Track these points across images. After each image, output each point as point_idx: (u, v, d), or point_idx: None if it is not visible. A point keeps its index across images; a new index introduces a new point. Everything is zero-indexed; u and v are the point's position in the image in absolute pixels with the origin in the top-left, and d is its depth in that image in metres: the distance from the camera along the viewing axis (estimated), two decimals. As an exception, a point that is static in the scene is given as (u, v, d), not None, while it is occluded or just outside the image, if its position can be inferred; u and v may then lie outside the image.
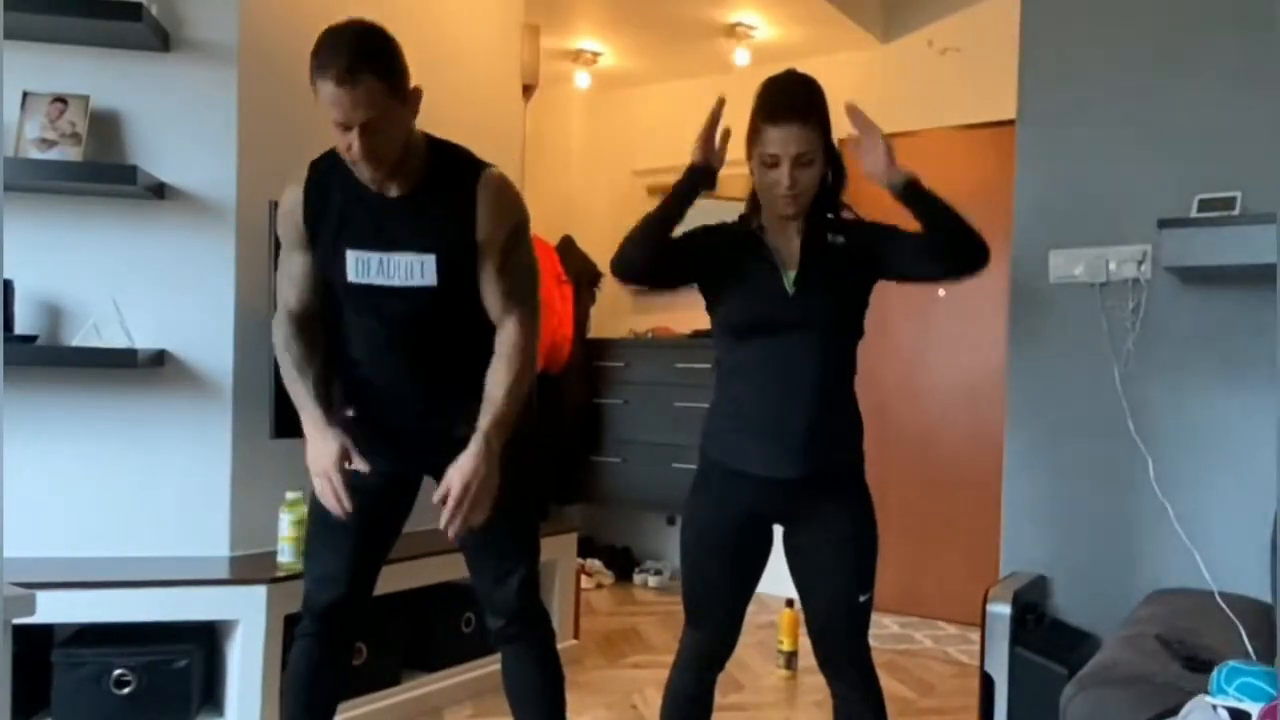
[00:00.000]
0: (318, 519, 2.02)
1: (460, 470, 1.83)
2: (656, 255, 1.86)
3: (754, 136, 1.85)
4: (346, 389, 2.04)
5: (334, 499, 1.85)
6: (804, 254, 1.89)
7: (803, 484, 1.87)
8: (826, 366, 1.88)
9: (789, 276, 1.88)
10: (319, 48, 1.73)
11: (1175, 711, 1.62)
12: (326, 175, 1.90)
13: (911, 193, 1.81)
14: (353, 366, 2.01)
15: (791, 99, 1.84)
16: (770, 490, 1.89)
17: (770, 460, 1.87)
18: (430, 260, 1.87)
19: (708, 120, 1.86)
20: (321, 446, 1.88)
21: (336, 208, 1.89)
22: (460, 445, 1.89)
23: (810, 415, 1.85)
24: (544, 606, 2.09)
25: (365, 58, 1.70)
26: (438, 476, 2.03)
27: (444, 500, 1.83)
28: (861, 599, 1.92)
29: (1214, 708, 1.55)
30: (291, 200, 1.92)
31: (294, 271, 1.97)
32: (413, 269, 1.88)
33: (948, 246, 1.83)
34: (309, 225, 1.91)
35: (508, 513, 1.98)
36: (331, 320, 2.00)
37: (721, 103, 1.85)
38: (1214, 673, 1.62)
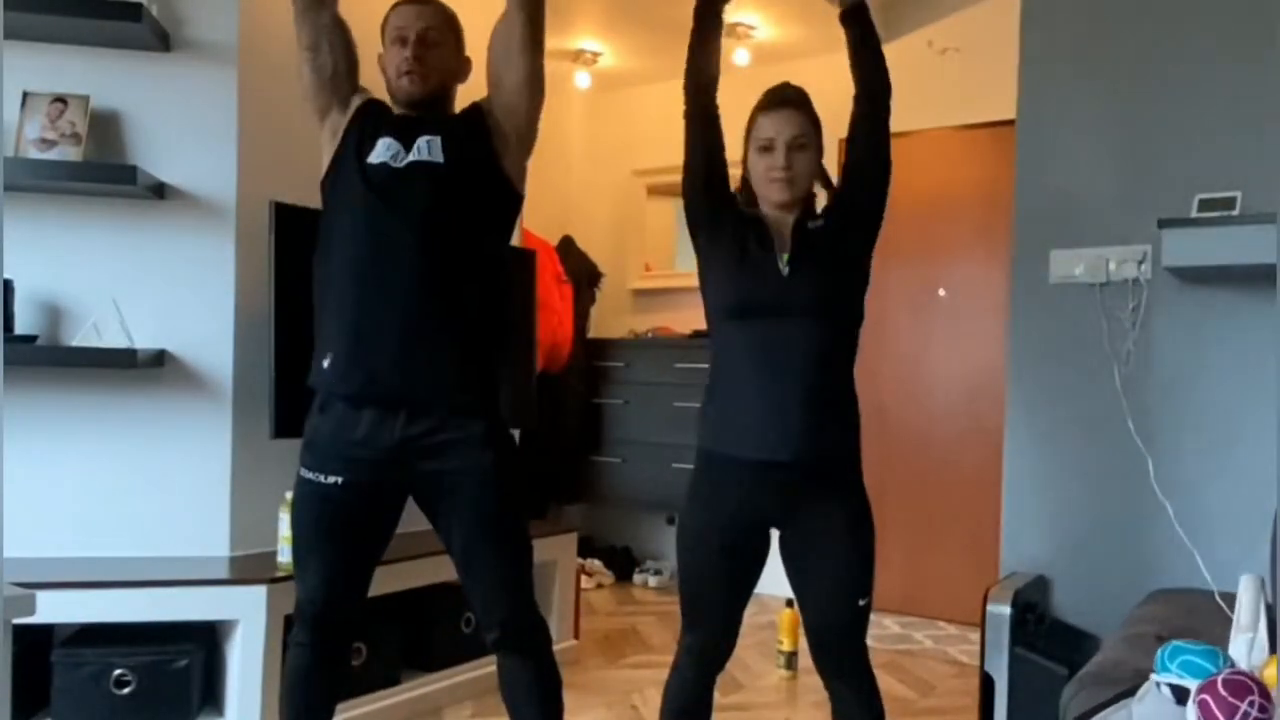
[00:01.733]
0: (304, 526, 2.01)
1: None
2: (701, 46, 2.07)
3: (750, 129, 1.96)
4: (329, 330, 1.96)
5: None
6: (796, 236, 1.91)
7: (798, 475, 1.85)
8: (824, 349, 1.86)
9: (783, 258, 1.88)
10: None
11: (1133, 693, 1.69)
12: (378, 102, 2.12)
13: (858, 15, 1.94)
14: (341, 300, 1.94)
15: (785, 91, 1.98)
16: (763, 482, 1.86)
17: (764, 443, 1.83)
18: (437, 141, 2.01)
19: None
20: None
21: (376, 115, 2.08)
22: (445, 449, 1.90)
23: (807, 397, 1.83)
24: (539, 614, 2.06)
25: None
26: (419, 497, 2.01)
27: None
28: (860, 603, 1.90)
29: (1158, 685, 1.61)
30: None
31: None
32: (421, 149, 2.01)
33: (874, 60, 1.96)
34: (357, 112, 2.08)
35: (499, 521, 1.97)
36: (322, 262, 2.00)
37: None
38: (1158, 651, 1.67)
